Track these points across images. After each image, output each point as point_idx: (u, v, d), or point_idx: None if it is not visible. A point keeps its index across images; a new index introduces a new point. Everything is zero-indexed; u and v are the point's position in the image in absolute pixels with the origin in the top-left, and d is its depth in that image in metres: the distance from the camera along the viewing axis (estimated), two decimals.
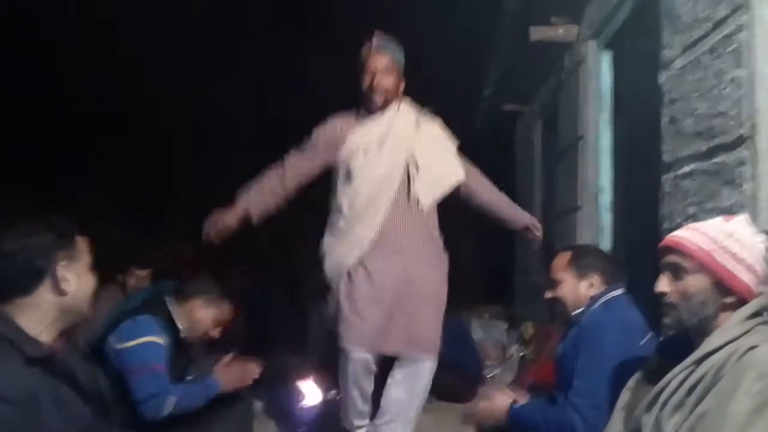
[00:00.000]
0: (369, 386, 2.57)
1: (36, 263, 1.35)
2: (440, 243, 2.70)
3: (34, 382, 1.27)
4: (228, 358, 2.29)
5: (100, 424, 1.43)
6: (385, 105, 2.63)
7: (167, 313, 2.19)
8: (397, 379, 2.59)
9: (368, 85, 2.60)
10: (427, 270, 2.59)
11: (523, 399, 1.97)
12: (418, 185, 2.57)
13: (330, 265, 2.60)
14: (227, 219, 2.54)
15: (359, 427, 2.63)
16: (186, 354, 2.27)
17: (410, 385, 2.58)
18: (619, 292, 1.88)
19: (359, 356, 2.47)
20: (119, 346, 2.05)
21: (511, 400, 1.89)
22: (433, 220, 2.68)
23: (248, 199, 2.61)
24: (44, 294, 1.36)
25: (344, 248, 2.56)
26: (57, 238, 1.39)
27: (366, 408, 2.62)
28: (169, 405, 1.99)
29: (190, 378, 2.26)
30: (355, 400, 2.56)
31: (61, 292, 1.37)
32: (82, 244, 1.45)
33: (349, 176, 2.59)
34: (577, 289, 1.89)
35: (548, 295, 1.96)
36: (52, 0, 7.49)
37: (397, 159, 2.58)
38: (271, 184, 2.66)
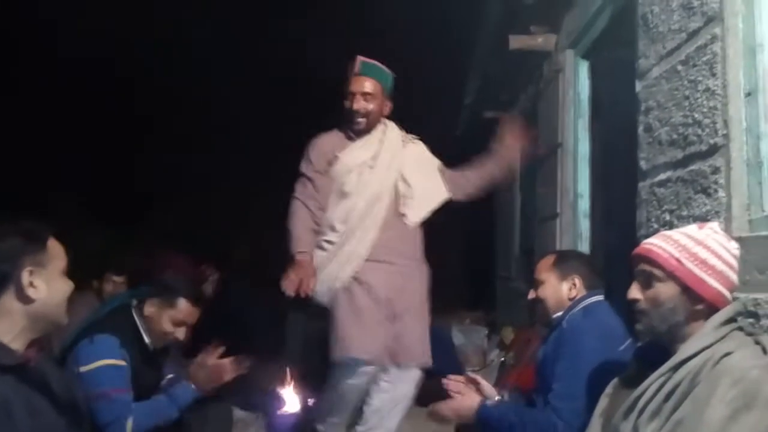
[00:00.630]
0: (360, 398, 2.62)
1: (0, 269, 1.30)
2: (422, 257, 2.80)
3: (6, 389, 1.23)
4: (201, 357, 2.25)
5: None
6: (368, 128, 2.71)
7: (132, 324, 2.15)
8: (382, 387, 2.63)
9: (348, 107, 2.68)
10: (414, 282, 2.70)
11: (492, 396, 1.97)
12: (408, 202, 2.67)
13: (321, 280, 2.61)
14: (308, 270, 2.55)
15: (335, 424, 2.66)
16: (156, 363, 2.22)
17: (393, 394, 2.63)
18: (599, 298, 1.91)
19: (365, 368, 2.52)
20: (76, 369, 1.98)
21: (480, 399, 1.88)
22: (419, 236, 2.77)
23: (305, 242, 2.63)
24: (10, 301, 1.30)
25: (337, 264, 2.61)
26: (25, 242, 1.33)
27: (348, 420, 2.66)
28: (130, 428, 1.95)
29: (168, 377, 2.22)
30: (347, 412, 2.62)
31: (26, 300, 1.31)
32: (54, 249, 1.40)
33: (342, 195, 2.66)
34: (559, 290, 1.92)
35: (531, 295, 1.99)
36: None
37: (388, 177, 2.67)
38: (308, 222, 2.67)
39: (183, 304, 2.17)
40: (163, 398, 2.10)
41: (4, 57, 7.29)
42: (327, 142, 2.76)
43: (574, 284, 1.91)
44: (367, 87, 2.66)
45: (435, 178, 2.77)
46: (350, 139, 2.74)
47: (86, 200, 7.33)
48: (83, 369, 1.98)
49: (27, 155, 7.32)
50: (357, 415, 2.66)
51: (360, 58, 2.70)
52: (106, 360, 2.00)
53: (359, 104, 2.65)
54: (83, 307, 3.58)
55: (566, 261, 1.98)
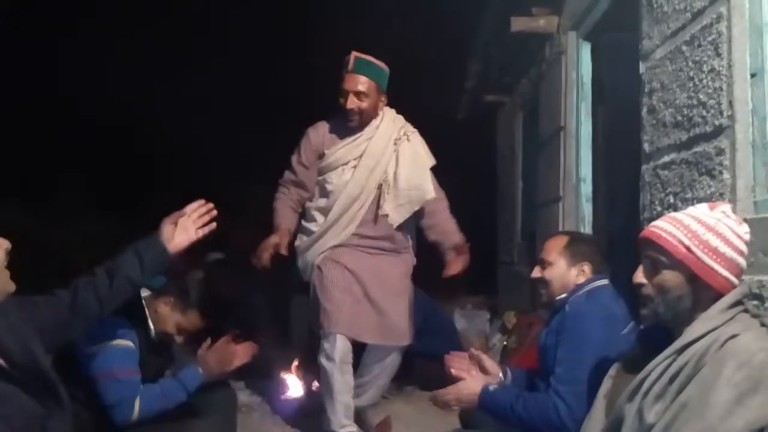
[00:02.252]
0: (351, 375, 2.69)
1: None
2: (407, 245, 2.87)
3: None
4: (207, 344, 2.26)
5: (50, 411, 1.35)
6: (362, 125, 2.75)
7: (140, 311, 2.15)
8: (369, 351, 2.79)
9: (342, 104, 2.71)
10: (392, 268, 2.80)
11: (493, 381, 1.96)
12: (390, 204, 2.72)
13: (300, 262, 2.86)
14: (281, 239, 2.73)
15: (347, 426, 2.66)
16: (161, 350, 2.23)
17: (381, 358, 2.79)
18: (603, 282, 1.89)
19: (340, 343, 2.62)
20: (86, 350, 2.00)
21: (483, 383, 1.88)
22: (407, 230, 2.83)
23: (283, 215, 2.83)
24: None
25: (312, 252, 2.79)
26: None
27: (351, 402, 2.69)
28: (137, 409, 1.96)
29: (168, 372, 2.23)
30: (341, 390, 2.64)
31: None
32: None
33: (324, 192, 2.79)
34: (567, 274, 1.89)
35: (537, 274, 1.95)
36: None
37: (370, 180, 2.72)
38: (288, 203, 2.86)
39: (193, 316, 2.24)
40: (171, 381, 2.12)
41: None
42: (319, 135, 2.83)
43: (583, 270, 1.88)
44: (361, 85, 2.68)
45: (423, 177, 2.77)
46: (341, 134, 2.79)
47: (89, 190, 7.32)
48: (92, 349, 2.00)
49: (28, 140, 7.30)
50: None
51: (354, 55, 2.70)
52: (116, 340, 2.02)
53: (352, 103, 2.68)
54: None
55: (578, 246, 1.92)
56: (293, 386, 3.61)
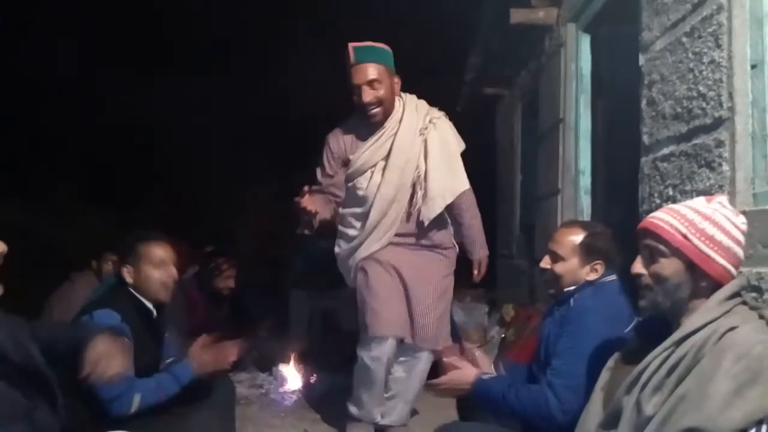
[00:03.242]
0: (389, 371, 2.65)
1: None
2: (448, 236, 2.76)
3: None
4: (203, 339, 2.25)
5: (36, 404, 1.33)
6: (385, 115, 2.60)
7: (130, 297, 2.14)
8: (400, 360, 2.68)
9: (358, 101, 2.55)
10: (433, 267, 2.69)
11: (488, 370, 1.95)
12: (423, 204, 2.60)
13: (344, 270, 2.77)
14: (312, 203, 2.46)
15: (377, 416, 2.67)
16: (156, 334, 2.23)
17: (410, 369, 2.69)
18: (611, 277, 1.83)
19: (389, 345, 2.56)
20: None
21: (477, 372, 1.87)
22: (442, 223, 2.72)
23: (317, 200, 2.56)
24: None
25: (357, 257, 2.68)
26: None
27: (383, 395, 2.67)
28: (135, 403, 1.96)
29: (168, 362, 2.23)
30: (379, 389, 2.62)
31: None
32: None
33: (356, 198, 2.66)
34: (579, 272, 1.82)
35: (546, 265, 1.87)
36: None
37: (403, 179, 2.60)
38: (323, 199, 2.67)
39: (149, 247, 2.16)
40: (166, 375, 2.11)
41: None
42: (340, 141, 2.69)
43: (596, 270, 1.82)
44: (371, 73, 2.51)
45: (455, 167, 2.65)
46: (363, 135, 2.63)
47: (85, 181, 7.31)
48: None
49: (25, 135, 7.28)
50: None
51: (352, 46, 2.54)
52: None
53: (368, 95, 2.52)
54: (83, 287, 3.61)
55: (595, 243, 1.82)
56: (292, 378, 3.62)
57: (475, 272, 2.83)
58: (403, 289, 2.61)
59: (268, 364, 3.78)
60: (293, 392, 3.53)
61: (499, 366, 2.10)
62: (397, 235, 2.64)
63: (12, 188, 6.09)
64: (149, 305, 2.18)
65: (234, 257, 3.86)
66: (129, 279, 2.15)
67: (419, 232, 2.65)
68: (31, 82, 7.22)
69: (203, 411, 2.14)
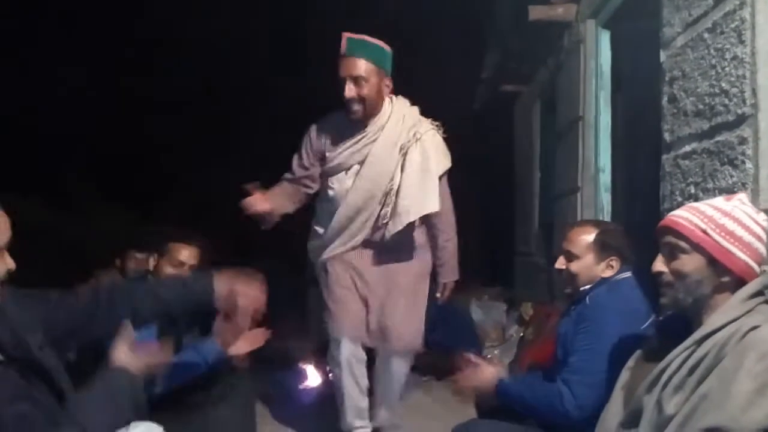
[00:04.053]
0: (362, 376, 2.58)
1: None
2: (421, 243, 2.65)
3: None
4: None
5: (36, 387, 1.34)
6: (366, 115, 2.47)
7: None
8: (375, 366, 2.65)
9: (343, 94, 2.42)
10: (403, 264, 2.60)
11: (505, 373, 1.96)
12: (392, 215, 2.49)
13: (316, 265, 2.72)
14: (261, 203, 2.45)
15: (359, 428, 2.62)
16: (177, 331, 2.27)
17: (387, 372, 2.62)
18: (626, 274, 1.85)
19: (345, 347, 2.52)
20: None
21: (498, 374, 1.88)
22: (415, 230, 2.61)
23: (274, 194, 2.56)
24: None
25: (324, 254, 2.63)
26: None
27: (364, 403, 2.61)
28: (159, 383, 2.00)
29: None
30: (351, 394, 2.56)
31: None
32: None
33: (327, 197, 2.60)
34: (594, 269, 1.84)
35: (561, 265, 1.89)
36: None
37: (375, 189, 2.51)
38: (285, 188, 2.65)
39: (175, 246, 2.26)
40: (190, 352, 2.16)
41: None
42: (321, 135, 2.59)
43: (611, 266, 1.83)
44: (358, 69, 2.38)
45: (428, 186, 2.48)
46: (344, 134, 2.52)
47: (107, 178, 7.42)
48: None
49: (45, 133, 7.40)
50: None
51: (346, 36, 2.40)
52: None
53: (350, 91, 2.38)
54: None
55: (608, 239, 1.84)
56: (311, 376, 3.65)
57: (438, 295, 2.78)
58: (365, 293, 2.55)
59: (288, 362, 3.81)
60: (312, 389, 3.56)
61: (516, 366, 2.10)
62: (365, 240, 2.56)
63: (33, 187, 6.20)
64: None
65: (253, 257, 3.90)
66: (150, 268, 2.27)
67: (390, 239, 2.52)
68: (48, 78, 7.35)
69: (224, 408, 2.17)
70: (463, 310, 4.39)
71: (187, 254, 2.27)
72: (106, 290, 1.67)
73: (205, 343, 2.19)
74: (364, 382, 2.58)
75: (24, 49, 7.15)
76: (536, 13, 4.06)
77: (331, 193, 2.58)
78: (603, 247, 1.83)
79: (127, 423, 1.38)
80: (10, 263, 1.33)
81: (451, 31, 6.93)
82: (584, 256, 1.84)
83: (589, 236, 1.85)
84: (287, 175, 2.68)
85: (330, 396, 3.37)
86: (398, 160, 2.49)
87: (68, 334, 1.57)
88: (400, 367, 2.63)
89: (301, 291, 4.52)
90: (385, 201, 2.50)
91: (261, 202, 2.42)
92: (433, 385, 3.66)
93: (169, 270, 2.26)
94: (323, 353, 3.79)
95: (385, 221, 2.51)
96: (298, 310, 4.36)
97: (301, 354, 3.80)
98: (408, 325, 2.58)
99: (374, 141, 2.49)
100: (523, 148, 5.93)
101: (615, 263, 1.83)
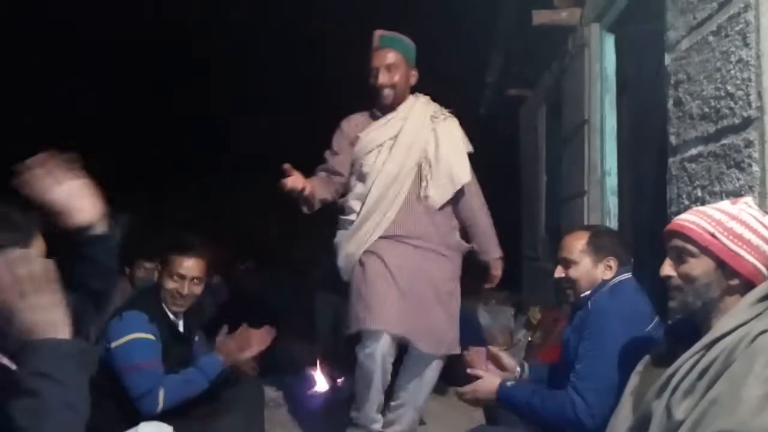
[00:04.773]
0: (389, 373, 2.55)
1: None
2: (454, 236, 2.72)
3: None
4: (224, 330, 2.29)
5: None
6: (396, 101, 2.67)
7: (157, 302, 2.20)
8: (406, 367, 2.63)
9: (373, 83, 2.64)
10: (438, 267, 2.63)
11: (510, 376, 1.97)
12: (431, 184, 2.60)
13: (341, 259, 2.67)
14: (300, 181, 2.44)
15: (378, 422, 2.62)
16: (184, 342, 2.28)
17: (419, 373, 2.62)
18: (626, 276, 1.85)
19: (385, 341, 2.45)
20: (108, 345, 2.07)
21: (499, 380, 1.88)
22: (446, 215, 2.69)
23: (311, 181, 2.56)
24: None
25: (355, 244, 2.61)
26: (13, 234, 1.29)
27: (382, 400, 2.61)
28: (162, 399, 2.01)
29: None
30: (378, 388, 2.53)
31: None
32: (38, 245, 1.36)
33: (361, 176, 2.65)
34: (593, 272, 1.84)
35: (560, 274, 1.89)
36: None
37: (409, 156, 2.60)
38: (321, 179, 2.67)
39: (176, 258, 2.21)
40: (192, 370, 2.16)
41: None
42: (352, 123, 2.76)
43: (610, 266, 1.83)
44: (390, 58, 2.62)
45: (461, 158, 2.67)
46: (375, 118, 2.72)
47: (116, 186, 7.46)
48: (114, 344, 2.06)
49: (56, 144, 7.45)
50: (389, 393, 2.66)
51: (379, 32, 2.67)
52: (135, 334, 2.07)
53: (383, 77, 2.62)
54: (118, 294, 3.68)
55: (601, 240, 1.86)
56: (319, 381, 3.65)
57: (494, 273, 2.81)
58: (403, 289, 2.52)
59: (295, 367, 3.82)
60: (321, 395, 3.56)
61: (524, 367, 2.09)
62: (399, 234, 2.57)
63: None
64: (171, 318, 2.24)
65: (260, 260, 3.91)
66: (155, 277, 2.27)
67: (423, 232, 2.59)
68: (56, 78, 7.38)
69: (232, 413, 2.18)
70: (471, 315, 4.38)
71: (188, 266, 2.20)
72: None
73: (208, 360, 2.19)
74: (388, 379, 2.57)
75: None
76: (540, 17, 4.07)
77: (365, 170, 2.63)
78: (598, 249, 1.85)
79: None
80: None
81: (456, 35, 6.96)
82: (581, 261, 1.85)
83: (582, 240, 1.87)
84: (321, 167, 2.75)
85: (337, 401, 3.38)
86: (430, 131, 2.65)
87: None
88: (432, 371, 2.65)
89: (308, 296, 4.53)
90: (419, 172, 2.61)
91: (300, 181, 2.45)
92: (442, 391, 3.65)
93: (170, 284, 2.19)
94: (332, 358, 3.81)
95: (424, 196, 2.59)
96: (306, 315, 4.37)
97: (309, 359, 3.80)
98: (447, 327, 2.61)
99: (406, 118, 2.67)
100: (529, 152, 5.93)
101: (612, 263, 1.84)
